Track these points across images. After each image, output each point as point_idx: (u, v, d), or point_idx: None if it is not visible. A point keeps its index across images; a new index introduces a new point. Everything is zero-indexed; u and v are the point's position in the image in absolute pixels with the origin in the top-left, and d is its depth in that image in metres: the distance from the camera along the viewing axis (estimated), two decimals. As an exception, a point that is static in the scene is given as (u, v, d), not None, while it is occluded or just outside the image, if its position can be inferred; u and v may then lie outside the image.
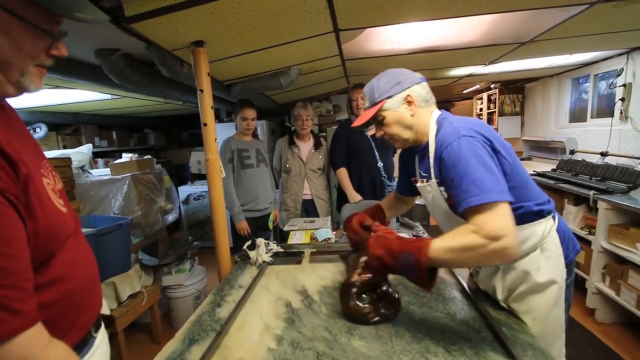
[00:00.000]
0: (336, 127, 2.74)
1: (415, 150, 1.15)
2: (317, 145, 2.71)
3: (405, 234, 1.89)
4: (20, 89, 0.63)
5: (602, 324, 2.31)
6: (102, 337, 0.86)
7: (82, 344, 0.76)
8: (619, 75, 2.95)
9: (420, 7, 1.41)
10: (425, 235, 1.92)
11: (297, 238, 1.94)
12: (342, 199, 2.54)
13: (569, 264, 1.06)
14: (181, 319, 2.48)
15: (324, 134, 3.99)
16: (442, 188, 1.03)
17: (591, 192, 2.35)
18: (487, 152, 0.92)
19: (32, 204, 0.59)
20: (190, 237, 2.84)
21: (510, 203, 0.86)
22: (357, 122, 1.16)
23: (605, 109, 3.29)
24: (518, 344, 0.87)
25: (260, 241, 1.58)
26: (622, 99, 2.92)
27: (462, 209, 0.88)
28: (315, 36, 1.66)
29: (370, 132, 2.50)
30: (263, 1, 1.18)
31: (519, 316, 1.03)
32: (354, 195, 2.44)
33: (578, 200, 2.62)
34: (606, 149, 2.94)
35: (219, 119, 4.31)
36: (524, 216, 0.99)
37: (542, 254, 1.02)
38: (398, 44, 2.03)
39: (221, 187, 1.61)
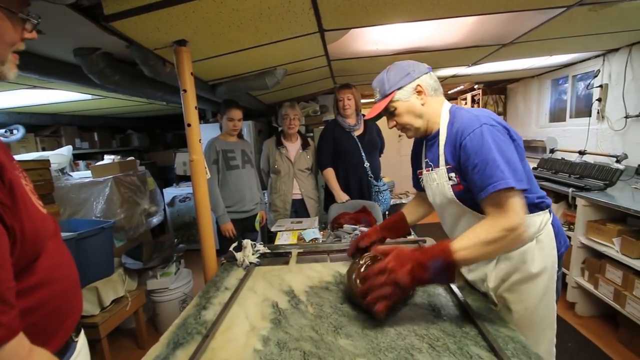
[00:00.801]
0: (323, 127, 2.75)
1: (425, 140, 1.19)
2: (304, 146, 2.70)
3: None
4: (0, 78, 0.62)
5: (581, 317, 2.38)
6: (82, 341, 0.85)
7: (64, 349, 0.75)
8: (596, 76, 3.06)
9: (403, 8, 1.43)
10: (412, 234, 1.94)
11: (284, 239, 1.93)
12: (330, 199, 2.55)
13: (560, 257, 1.10)
14: (167, 323, 2.44)
15: (311, 134, 3.99)
16: (452, 174, 1.06)
17: (570, 190, 2.42)
18: (507, 140, 0.97)
19: (18, 207, 0.58)
20: (175, 240, 2.79)
21: (524, 191, 0.92)
22: (369, 115, 1.18)
23: (584, 109, 3.40)
24: (499, 338, 0.89)
25: (247, 242, 1.57)
26: (599, 99, 3.03)
27: (486, 194, 0.93)
28: (301, 36, 1.66)
29: (357, 132, 2.52)
30: (246, 1, 1.17)
31: (509, 306, 1.07)
32: (341, 196, 2.45)
33: (558, 197, 2.69)
34: (584, 148, 3.04)
35: (204, 119, 4.26)
36: (526, 206, 1.02)
37: (537, 245, 1.06)
38: (383, 44, 2.05)
39: (206, 189, 1.59)
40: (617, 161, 2.33)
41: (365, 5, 1.37)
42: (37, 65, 1.50)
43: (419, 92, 1.09)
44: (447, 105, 1.12)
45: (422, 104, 1.10)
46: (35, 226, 0.61)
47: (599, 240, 2.18)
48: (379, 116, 1.17)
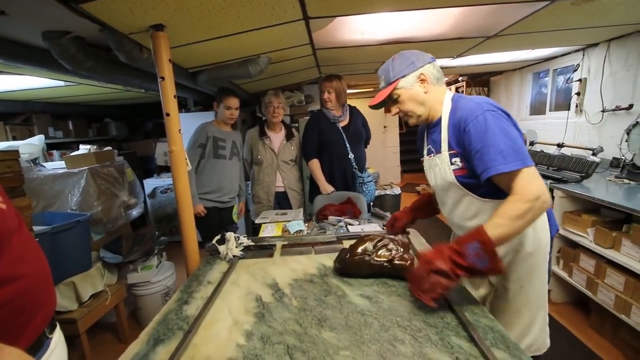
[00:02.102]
0: (308, 118, 2.71)
1: (427, 127, 1.24)
2: (288, 136, 2.66)
3: (375, 224, 1.92)
4: None
5: (556, 303, 2.48)
6: (58, 337, 0.82)
7: (36, 346, 0.72)
8: (575, 70, 3.13)
9: (389, -3, 1.41)
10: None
11: (268, 231, 1.91)
12: (315, 190, 2.53)
13: (551, 239, 1.17)
14: (149, 316, 2.39)
15: (296, 124, 3.94)
16: (456, 159, 1.11)
17: (548, 181, 2.49)
18: (510, 123, 1.02)
19: None
20: (157, 232, 2.73)
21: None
22: (373, 102, 1.22)
23: (563, 103, 3.49)
24: (479, 328, 0.90)
25: (230, 235, 1.55)
26: (578, 93, 3.10)
27: (489, 175, 0.99)
28: (284, 23, 1.61)
29: (342, 123, 2.49)
30: (227, -16, 1.13)
31: (506, 285, 1.15)
32: (326, 187, 2.44)
33: (537, 188, 2.77)
34: (562, 141, 3.13)
35: (185, 108, 4.13)
36: None
37: (531, 226, 1.09)
38: (369, 34, 2.02)
39: (187, 180, 1.55)
40: (594, 154, 2.40)
41: (350, -7, 1.34)
42: (3, 49, 1.40)
43: (422, 81, 1.13)
44: (450, 93, 1.17)
45: (425, 92, 1.14)
46: None
47: (574, 231, 2.26)
48: (382, 103, 1.20)
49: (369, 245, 1.25)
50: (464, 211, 1.19)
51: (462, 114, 1.06)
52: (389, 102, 1.21)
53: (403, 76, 1.13)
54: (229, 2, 1.27)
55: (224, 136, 2.39)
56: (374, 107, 1.24)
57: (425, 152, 1.27)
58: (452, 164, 1.13)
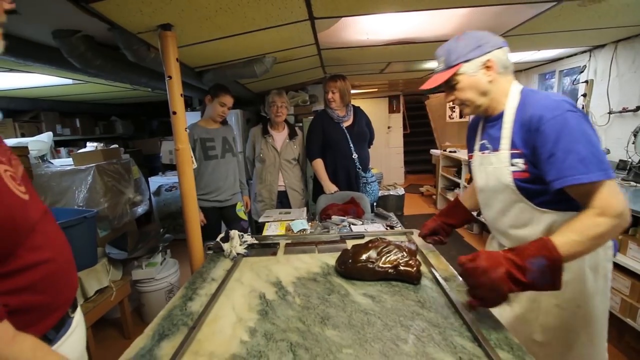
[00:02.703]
0: (312, 117, 2.72)
1: (484, 120, 1.12)
2: (291, 135, 2.67)
3: (379, 224, 1.93)
4: None
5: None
6: (79, 317, 0.87)
7: (59, 325, 0.77)
8: (582, 72, 3.10)
9: (395, -3, 1.41)
10: (400, 226, 1.96)
11: (272, 229, 1.92)
12: (318, 190, 2.54)
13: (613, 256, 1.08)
14: (153, 313, 2.42)
15: (300, 124, 3.96)
16: (518, 160, 0.99)
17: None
18: (592, 129, 0.90)
19: None
20: (161, 230, 2.75)
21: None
22: (427, 85, 1.09)
23: (568, 104, 3.46)
24: (484, 329, 0.90)
25: (234, 233, 1.56)
26: (584, 95, 3.08)
27: (564, 185, 0.87)
28: (290, 23, 1.63)
29: (346, 123, 2.50)
30: (234, -16, 1.14)
31: (558, 303, 1.04)
32: (329, 186, 2.44)
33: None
34: (568, 142, 3.11)
35: (190, 107, 4.16)
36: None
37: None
38: (374, 34, 2.03)
39: (192, 178, 1.56)
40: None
41: (357, -7, 1.35)
42: (14, 48, 1.43)
43: (488, 68, 1.00)
44: (517, 85, 1.04)
45: (489, 81, 1.01)
46: (11, 214, 0.60)
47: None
48: (437, 88, 1.08)
49: (372, 253, 1.22)
50: (513, 219, 1.08)
51: (537, 111, 0.93)
52: (445, 88, 1.08)
53: (466, 60, 1.00)
54: (236, 3, 1.28)
55: (212, 135, 2.33)
56: (427, 91, 1.11)
57: (477, 147, 1.15)
58: (512, 164, 1.01)
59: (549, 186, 0.92)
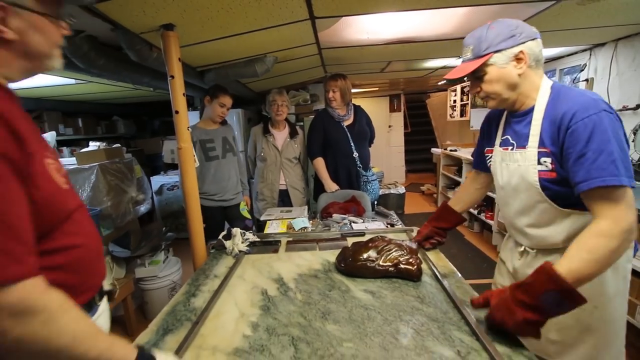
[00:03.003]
0: (313, 116, 2.73)
1: (510, 114, 1.08)
2: (292, 134, 2.68)
3: (379, 222, 1.94)
4: (48, 69, 0.75)
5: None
6: (104, 306, 0.93)
7: (86, 308, 0.81)
8: (582, 70, 3.11)
9: (395, -3, 1.43)
10: (400, 224, 1.97)
11: (273, 227, 1.94)
12: (319, 188, 2.56)
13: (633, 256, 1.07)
14: (156, 310, 2.44)
15: (301, 123, 3.97)
16: (546, 159, 0.96)
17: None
18: (623, 133, 0.88)
19: (34, 175, 0.64)
20: (164, 228, 2.77)
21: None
22: (452, 75, 1.05)
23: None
24: (481, 324, 0.92)
25: (236, 231, 1.57)
26: (584, 93, 3.09)
27: (592, 186, 0.84)
28: (291, 23, 1.64)
29: (347, 122, 2.52)
30: (236, -15, 1.15)
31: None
32: (330, 185, 2.46)
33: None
34: (568, 140, 3.11)
35: (192, 106, 4.18)
36: None
37: None
38: (374, 34, 2.04)
39: (194, 176, 1.58)
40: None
41: (357, -7, 1.36)
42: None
43: (519, 60, 0.96)
44: (548, 81, 1.00)
45: (520, 74, 0.97)
46: (50, 195, 0.68)
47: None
48: (462, 78, 1.05)
49: (373, 252, 1.24)
50: (534, 219, 1.05)
51: (570, 108, 0.89)
52: (471, 78, 1.03)
53: (497, 51, 0.95)
54: (237, 2, 1.29)
55: (212, 135, 2.35)
56: (451, 81, 1.09)
57: (498, 142, 1.11)
58: (540, 163, 0.97)
59: (574, 189, 0.89)
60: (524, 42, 0.95)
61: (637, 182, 2.20)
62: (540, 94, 0.99)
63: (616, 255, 0.83)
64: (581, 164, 0.86)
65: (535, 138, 0.98)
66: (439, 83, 5.55)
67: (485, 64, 0.98)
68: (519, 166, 1.03)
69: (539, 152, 0.98)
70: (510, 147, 1.07)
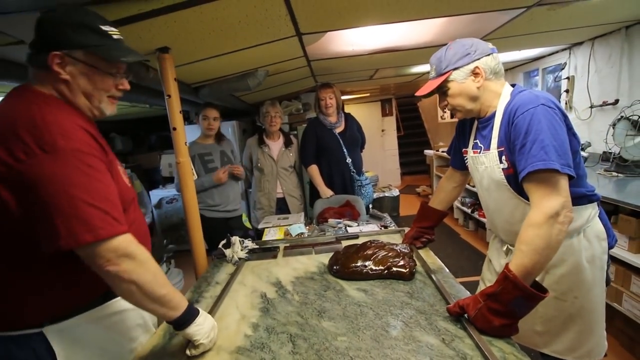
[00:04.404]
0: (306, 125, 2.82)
1: (478, 121, 1.16)
2: (287, 144, 2.77)
3: (373, 225, 2.01)
4: (101, 113, 0.92)
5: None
6: None
7: None
8: (563, 69, 3.23)
9: (374, 12, 1.52)
10: (393, 225, 2.05)
11: (271, 234, 2.01)
12: (315, 195, 2.63)
13: (609, 250, 1.14)
14: (159, 322, 2.48)
15: (295, 132, 4.06)
16: (504, 157, 1.04)
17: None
18: (562, 125, 0.94)
19: (114, 174, 0.90)
20: (165, 241, 2.83)
21: (571, 178, 0.91)
22: (421, 92, 1.15)
23: (553, 100, 3.58)
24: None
25: (235, 239, 1.64)
26: (567, 91, 3.20)
27: (525, 173, 0.91)
28: (280, 40, 1.73)
29: (338, 129, 2.60)
30: (225, 10, 1.24)
31: (558, 296, 1.10)
32: (325, 191, 2.54)
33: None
34: (554, 137, 3.21)
35: (188, 120, 4.26)
36: (576, 198, 1.03)
37: (584, 237, 1.09)
38: (359, 45, 2.14)
39: (194, 189, 1.65)
40: (582, 149, 2.49)
41: (338, 10, 1.45)
42: (19, 74, 1.52)
43: (476, 75, 1.05)
44: (509, 88, 1.08)
45: (478, 87, 1.06)
46: (121, 188, 0.91)
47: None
48: (430, 94, 1.15)
49: (364, 259, 1.28)
50: (509, 216, 1.12)
51: (514, 104, 0.99)
52: (438, 93, 1.14)
53: (455, 68, 1.05)
54: (227, 25, 1.38)
55: (209, 149, 2.43)
56: (422, 96, 1.18)
57: (470, 146, 1.20)
58: (501, 162, 1.06)
59: (519, 179, 0.96)
60: (478, 59, 1.04)
61: (618, 174, 2.27)
62: (500, 100, 1.08)
63: (550, 241, 0.87)
64: (522, 154, 0.94)
65: (495, 140, 1.08)
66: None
67: (446, 81, 1.08)
68: (486, 168, 1.13)
69: (499, 152, 1.06)
70: (478, 150, 1.16)
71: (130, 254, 0.79)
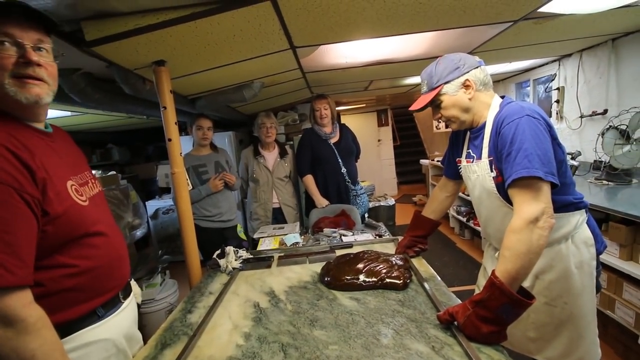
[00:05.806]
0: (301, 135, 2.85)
1: (470, 131, 1.21)
2: (282, 154, 2.79)
3: (368, 234, 2.03)
4: (15, 102, 0.75)
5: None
6: (128, 302, 1.06)
7: (110, 305, 0.96)
8: (553, 79, 3.30)
9: (365, 27, 1.56)
10: (387, 234, 2.06)
11: (266, 244, 2.02)
12: (310, 204, 2.65)
13: (598, 256, 1.15)
14: (154, 333, 2.46)
15: (291, 142, 4.09)
16: (493, 166, 1.08)
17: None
18: (546, 135, 0.98)
19: (49, 198, 0.76)
20: (160, 252, 2.82)
21: (555, 186, 0.94)
22: (415, 106, 1.19)
23: (544, 111, 3.64)
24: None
25: (230, 249, 1.65)
26: (557, 101, 3.26)
27: (510, 180, 0.95)
28: (274, 53, 1.77)
29: (333, 140, 2.63)
30: (219, 25, 1.27)
31: (548, 302, 1.12)
32: (320, 201, 2.55)
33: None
34: (546, 146, 3.26)
35: (184, 131, 4.29)
36: (564, 206, 1.07)
37: (572, 243, 1.11)
38: (352, 58, 2.19)
39: (188, 200, 1.67)
40: (572, 158, 2.53)
41: (330, 25, 1.50)
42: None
43: (467, 87, 1.10)
44: (498, 99, 1.13)
45: (470, 99, 1.11)
46: (67, 212, 0.80)
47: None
48: (424, 108, 1.19)
49: (355, 272, 1.29)
50: (500, 224, 1.14)
51: (501, 115, 1.03)
52: (432, 107, 1.19)
53: (446, 82, 1.10)
54: (222, 38, 1.42)
55: (203, 160, 2.44)
56: (416, 111, 1.22)
57: (464, 155, 1.25)
58: (491, 171, 1.10)
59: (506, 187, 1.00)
60: (468, 72, 1.10)
61: (608, 183, 2.30)
62: (490, 112, 1.12)
63: (531, 246, 0.89)
64: (507, 163, 0.98)
65: (486, 149, 1.12)
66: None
67: (439, 94, 1.13)
68: (478, 176, 1.17)
69: (489, 161, 1.10)
70: (471, 160, 1.20)
71: (12, 318, 0.64)
